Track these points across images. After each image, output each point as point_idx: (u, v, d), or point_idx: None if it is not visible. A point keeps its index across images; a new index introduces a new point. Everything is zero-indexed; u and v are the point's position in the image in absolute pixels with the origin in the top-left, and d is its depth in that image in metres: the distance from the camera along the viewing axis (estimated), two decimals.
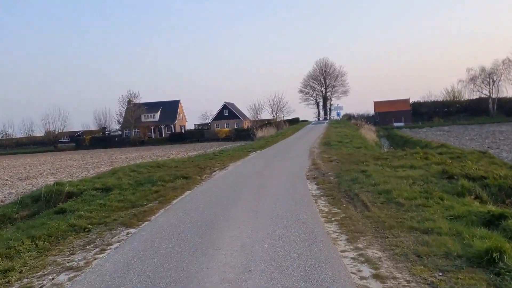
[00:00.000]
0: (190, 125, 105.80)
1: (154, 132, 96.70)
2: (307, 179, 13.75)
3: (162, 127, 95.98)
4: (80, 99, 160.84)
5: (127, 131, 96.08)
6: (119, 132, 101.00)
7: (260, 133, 58.42)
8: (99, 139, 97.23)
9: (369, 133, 46.57)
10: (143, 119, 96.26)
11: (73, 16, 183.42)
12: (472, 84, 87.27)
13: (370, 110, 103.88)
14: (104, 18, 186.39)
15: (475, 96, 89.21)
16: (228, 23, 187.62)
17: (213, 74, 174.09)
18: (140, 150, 63.66)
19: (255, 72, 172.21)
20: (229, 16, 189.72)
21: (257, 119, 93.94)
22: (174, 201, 11.06)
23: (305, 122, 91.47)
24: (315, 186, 12.07)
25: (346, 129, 55.09)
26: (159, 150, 57.51)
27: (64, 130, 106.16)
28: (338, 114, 74.87)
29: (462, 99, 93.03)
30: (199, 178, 15.78)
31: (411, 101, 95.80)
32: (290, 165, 18.31)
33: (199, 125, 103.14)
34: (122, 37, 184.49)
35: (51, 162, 41.07)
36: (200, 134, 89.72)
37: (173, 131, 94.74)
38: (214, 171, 17.94)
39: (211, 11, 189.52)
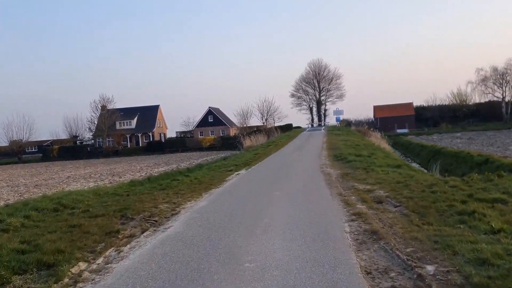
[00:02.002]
0: (171, 133, 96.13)
1: (130, 141, 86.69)
2: None
3: (139, 135, 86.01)
4: (48, 105, 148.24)
5: (100, 139, 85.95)
6: (92, 141, 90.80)
7: (248, 142, 48.91)
8: (69, 149, 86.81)
9: (383, 142, 37.45)
10: (117, 126, 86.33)
11: (36, 10, 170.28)
12: (483, 85, 78.73)
13: (369, 115, 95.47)
14: (72, 15, 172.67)
15: (486, 99, 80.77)
16: (215, 22, 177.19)
17: (198, 77, 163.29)
18: (105, 163, 53.75)
19: (245, 75, 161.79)
20: (216, 15, 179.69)
21: (245, 125, 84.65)
22: None
23: (299, 129, 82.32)
24: None
25: (351, 137, 45.91)
26: (124, 164, 47.67)
27: (31, 139, 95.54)
28: (337, 120, 65.67)
29: (470, 103, 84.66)
30: (78, 270, 6.17)
31: (414, 105, 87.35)
32: (303, 216, 8.74)
33: (181, 132, 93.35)
34: (94, 36, 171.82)
35: None
36: (181, 143, 79.91)
37: (151, 139, 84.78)
38: (141, 234, 8.34)
39: (194, 10, 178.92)
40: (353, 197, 10.50)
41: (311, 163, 20.75)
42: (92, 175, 30.78)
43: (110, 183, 23.72)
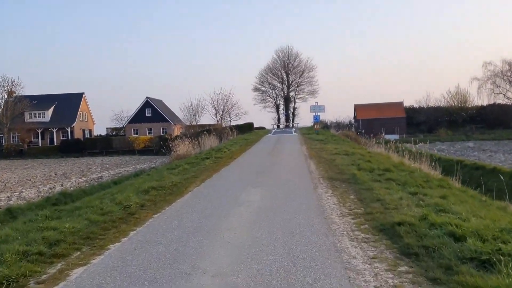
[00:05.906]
0: (101, 129, 76.18)
1: (43, 138, 66.39)
2: None
3: (54, 130, 65.79)
4: None
5: (1, 135, 65.27)
6: None
7: (181, 148, 30.61)
8: None
9: (425, 164, 20.18)
10: (27, 118, 66.05)
11: None
12: (493, 83, 63.58)
13: (349, 116, 79.43)
14: None
15: (495, 100, 65.81)
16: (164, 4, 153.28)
17: (140, 62, 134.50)
18: None
19: (201, 62, 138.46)
20: None
21: (195, 123, 66.20)
22: None
23: (262, 129, 64.77)
24: None
25: (343, 146, 28.64)
26: None
27: None
28: (316, 119, 48.69)
29: (471, 105, 69.68)
30: None
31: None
32: None
33: (112, 129, 73.67)
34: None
35: None
36: (106, 142, 60.67)
37: (69, 136, 64.82)
38: None
39: None
40: None
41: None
42: None
43: None
